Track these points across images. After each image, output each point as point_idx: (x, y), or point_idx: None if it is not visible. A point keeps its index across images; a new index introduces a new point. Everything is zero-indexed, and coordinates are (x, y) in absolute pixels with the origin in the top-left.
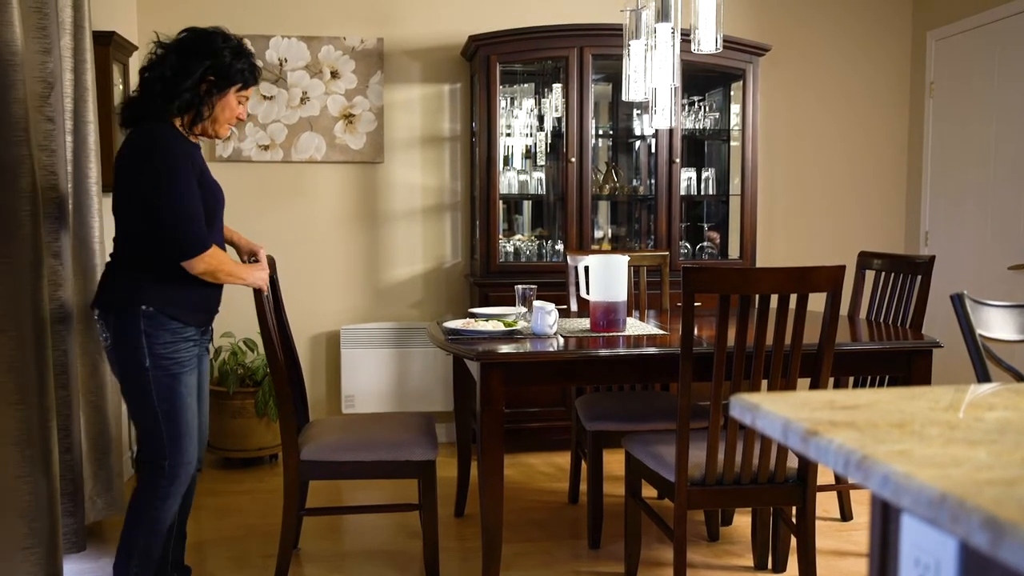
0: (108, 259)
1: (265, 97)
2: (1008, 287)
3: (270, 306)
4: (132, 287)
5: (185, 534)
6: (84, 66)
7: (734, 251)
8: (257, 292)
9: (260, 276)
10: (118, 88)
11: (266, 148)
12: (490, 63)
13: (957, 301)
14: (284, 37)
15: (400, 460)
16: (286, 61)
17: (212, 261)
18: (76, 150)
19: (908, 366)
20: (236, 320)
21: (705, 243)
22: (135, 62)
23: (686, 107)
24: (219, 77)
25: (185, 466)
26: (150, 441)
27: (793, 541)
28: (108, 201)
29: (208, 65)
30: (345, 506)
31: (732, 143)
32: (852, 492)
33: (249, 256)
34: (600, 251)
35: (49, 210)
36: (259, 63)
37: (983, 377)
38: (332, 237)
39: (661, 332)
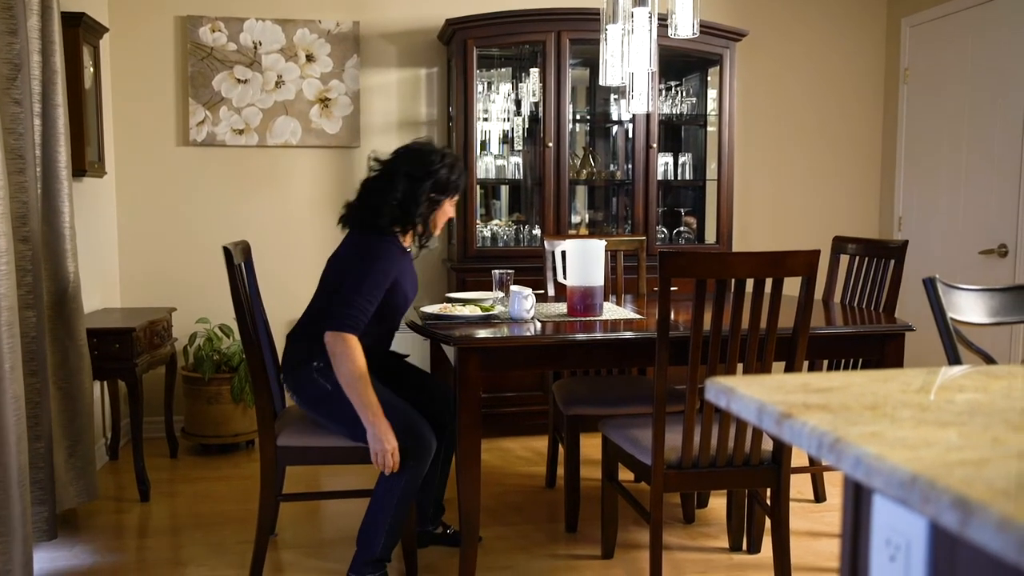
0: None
1: (239, 81)
2: (979, 271)
3: (246, 291)
4: (309, 349)
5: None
6: (52, 47)
7: (711, 236)
8: (232, 279)
9: (386, 436)
10: (88, 71)
11: (240, 132)
12: (467, 47)
13: (929, 285)
14: (258, 20)
15: None
16: (260, 44)
17: (347, 349)
18: (45, 134)
19: (881, 349)
20: (212, 306)
21: (682, 228)
22: (106, 44)
23: (663, 92)
24: (438, 192)
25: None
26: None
27: (768, 523)
28: (78, 185)
29: (431, 184)
30: (322, 491)
31: (709, 128)
32: (826, 474)
33: None
34: (577, 236)
35: (16, 194)
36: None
37: (954, 360)
38: (308, 222)
39: (638, 316)
